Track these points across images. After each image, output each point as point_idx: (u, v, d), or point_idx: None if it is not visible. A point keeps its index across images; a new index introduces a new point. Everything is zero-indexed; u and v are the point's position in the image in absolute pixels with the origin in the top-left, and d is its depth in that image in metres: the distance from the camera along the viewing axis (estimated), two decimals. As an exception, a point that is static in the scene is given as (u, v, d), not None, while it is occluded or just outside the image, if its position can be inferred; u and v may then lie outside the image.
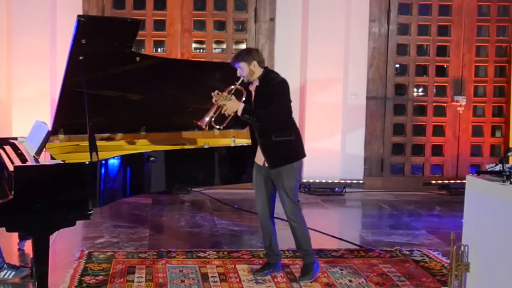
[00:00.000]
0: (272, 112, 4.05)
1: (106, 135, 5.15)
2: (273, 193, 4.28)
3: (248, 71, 4.11)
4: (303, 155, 4.23)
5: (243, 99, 4.18)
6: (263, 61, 4.18)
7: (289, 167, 4.13)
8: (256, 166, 4.28)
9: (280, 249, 4.43)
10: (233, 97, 4.11)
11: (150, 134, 5.35)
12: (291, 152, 4.17)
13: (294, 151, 4.18)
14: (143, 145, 5.15)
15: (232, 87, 4.16)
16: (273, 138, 4.10)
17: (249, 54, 4.13)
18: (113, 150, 4.66)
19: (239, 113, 4.05)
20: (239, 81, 4.15)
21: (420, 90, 7.90)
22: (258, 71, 4.14)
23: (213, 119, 4.17)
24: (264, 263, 4.38)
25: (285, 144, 4.14)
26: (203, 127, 4.19)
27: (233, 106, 4.07)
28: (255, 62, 4.11)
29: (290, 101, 4.15)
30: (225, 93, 4.11)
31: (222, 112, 4.11)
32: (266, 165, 4.16)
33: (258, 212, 4.33)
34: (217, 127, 4.25)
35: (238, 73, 4.14)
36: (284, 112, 4.13)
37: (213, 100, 4.11)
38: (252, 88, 4.21)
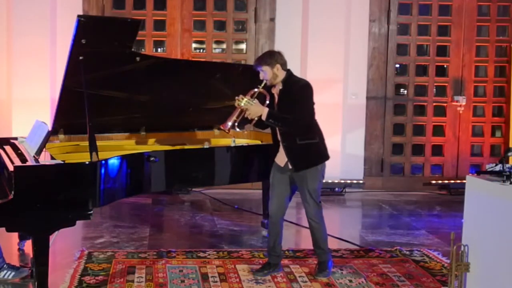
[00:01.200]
0: (297, 116, 4.05)
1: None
2: (290, 194, 4.30)
3: (272, 75, 4.10)
4: (327, 157, 4.26)
5: (267, 102, 4.16)
6: (285, 64, 4.16)
7: (314, 169, 4.16)
8: (276, 166, 4.29)
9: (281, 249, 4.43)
10: (256, 101, 4.09)
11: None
12: (315, 154, 4.19)
13: (319, 153, 4.21)
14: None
15: (255, 90, 4.15)
16: (298, 141, 4.11)
17: (272, 57, 4.11)
18: (113, 150, 4.66)
19: (263, 118, 4.05)
20: (262, 84, 4.14)
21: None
22: (281, 74, 4.13)
23: (236, 123, 4.17)
24: (265, 263, 4.38)
25: (310, 147, 4.15)
26: (226, 131, 4.19)
27: (257, 110, 4.06)
28: (278, 66, 4.10)
29: (313, 104, 4.16)
30: (247, 97, 4.10)
31: (245, 116, 4.11)
32: (290, 167, 4.17)
33: (271, 211, 4.33)
34: (238, 130, 4.26)
35: (261, 76, 4.13)
36: (308, 116, 4.14)
37: (236, 104, 4.09)
38: (275, 90, 4.19)
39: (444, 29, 7.67)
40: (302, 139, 4.11)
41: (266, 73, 4.10)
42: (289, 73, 4.16)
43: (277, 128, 4.18)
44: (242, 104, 4.06)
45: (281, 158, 4.23)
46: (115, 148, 4.88)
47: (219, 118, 5.55)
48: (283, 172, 4.23)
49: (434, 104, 7.72)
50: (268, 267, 4.33)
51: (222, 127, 4.19)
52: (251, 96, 4.11)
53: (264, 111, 4.05)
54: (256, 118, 4.11)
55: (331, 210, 6.70)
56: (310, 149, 4.16)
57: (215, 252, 4.82)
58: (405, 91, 7.78)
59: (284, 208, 4.31)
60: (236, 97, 4.11)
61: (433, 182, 7.65)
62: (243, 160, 5.03)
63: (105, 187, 3.89)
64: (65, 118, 4.58)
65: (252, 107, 4.05)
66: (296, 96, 4.08)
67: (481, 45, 7.76)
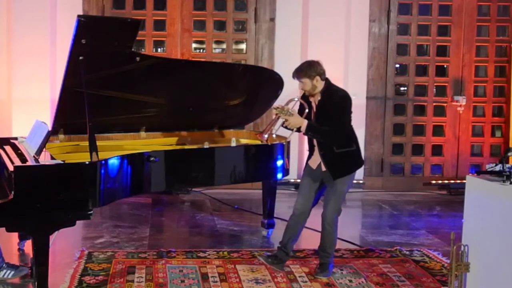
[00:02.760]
0: (335, 128, 4.07)
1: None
2: (319, 195, 4.35)
3: (311, 86, 4.11)
4: (362, 163, 4.34)
5: (306, 111, 4.17)
6: (324, 74, 4.16)
7: (350, 175, 4.21)
8: (309, 167, 4.31)
9: (280, 249, 4.44)
10: (295, 111, 4.10)
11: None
12: (352, 162, 4.23)
13: (355, 161, 4.26)
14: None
15: (295, 99, 4.18)
16: (335, 150, 4.13)
17: (312, 68, 4.12)
18: (113, 150, 4.66)
19: (302, 130, 4.07)
20: (301, 95, 4.17)
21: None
22: (320, 85, 4.14)
23: (274, 133, 4.24)
24: (273, 254, 4.41)
25: (347, 155, 4.18)
26: (263, 141, 4.26)
27: (296, 122, 4.07)
28: (318, 77, 4.11)
29: (351, 113, 4.18)
30: (286, 107, 4.11)
31: (284, 126, 4.15)
32: (323, 169, 4.19)
33: (296, 209, 4.34)
34: (275, 137, 4.37)
35: (300, 86, 4.14)
36: (347, 127, 4.16)
37: (274, 114, 4.12)
38: (313, 99, 4.20)
39: (444, 29, 7.66)
40: (339, 147, 4.14)
41: (306, 84, 4.11)
42: (327, 83, 4.16)
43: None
44: (281, 115, 4.07)
45: (314, 161, 4.25)
46: (115, 148, 4.88)
47: (219, 118, 5.59)
48: (315, 175, 4.26)
49: (434, 104, 7.72)
50: (274, 258, 4.35)
51: (259, 137, 4.24)
52: (288, 105, 4.14)
53: (303, 123, 4.06)
54: (295, 129, 4.13)
55: (331, 210, 6.69)
56: (348, 157, 4.19)
57: (215, 252, 4.82)
58: (406, 89, 7.76)
59: (309, 210, 4.34)
60: (274, 106, 4.14)
61: (433, 182, 7.64)
62: (243, 160, 5.03)
63: (105, 187, 3.89)
64: (65, 118, 4.58)
65: (292, 118, 4.06)
66: (336, 107, 4.09)
67: (481, 45, 7.75)
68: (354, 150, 4.21)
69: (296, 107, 4.24)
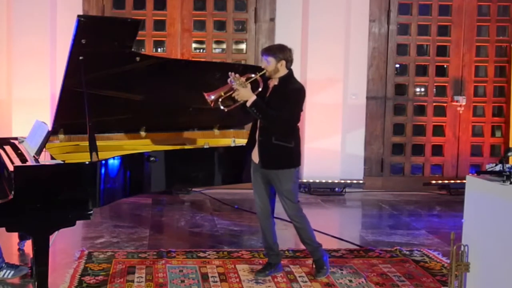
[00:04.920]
0: (281, 116, 4.02)
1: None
2: (271, 191, 4.26)
3: (274, 68, 4.07)
4: (298, 163, 4.21)
5: (259, 90, 4.13)
6: (291, 62, 4.14)
7: (286, 171, 4.12)
8: (253, 164, 4.26)
9: (280, 249, 4.42)
10: (248, 85, 4.05)
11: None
12: (286, 158, 4.13)
13: (290, 158, 4.15)
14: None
15: (253, 75, 4.12)
16: (273, 140, 4.07)
17: (282, 52, 4.08)
18: (113, 150, 4.66)
19: (248, 104, 4.00)
20: (261, 73, 4.12)
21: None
22: (283, 71, 4.10)
23: (220, 99, 4.09)
24: (265, 263, 4.38)
25: (282, 149, 4.10)
26: (209, 101, 4.08)
27: (246, 94, 4.02)
28: (283, 62, 4.08)
29: (301, 110, 4.13)
30: (243, 78, 4.06)
31: (233, 95, 4.06)
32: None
33: (257, 211, 4.33)
34: (222, 107, 4.14)
35: (263, 65, 4.11)
36: (293, 120, 4.10)
37: (228, 80, 4.04)
38: (271, 83, 4.16)
39: (444, 29, 7.67)
40: (277, 139, 4.07)
41: (269, 63, 4.07)
42: (290, 73, 4.14)
43: (258, 123, 4.15)
44: (235, 83, 4.02)
45: (256, 154, 4.20)
46: (115, 148, 4.88)
47: (219, 118, 5.58)
48: (259, 170, 4.20)
49: (434, 104, 7.72)
50: (269, 267, 4.32)
51: (206, 96, 4.08)
52: (246, 79, 4.07)
53: (251, 98, 4.00)
54: (241, 101, 4.05)
55: (331, 210, 6.70)
56: (282, 152, 4.10)
57: (215, 252, 4.82)
58: (407, 83, 7.77)
59: (269, 206, 4.27)
60: (231, 73, 4.05)
61: (433, 182, 7.64)
62: (243, 160, 5.02)
63: (105, 187, 3.89)
64: (65, 118, 4.57)
65: (243, 89, 4.01)
66: (288, 97, 4.05)
67: (481, 45, 7.76)
68: (292, 147, 4.12)
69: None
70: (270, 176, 4.16)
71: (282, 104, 4.02)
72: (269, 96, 4.12)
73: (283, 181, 4.12)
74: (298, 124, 4.17)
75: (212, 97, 4.08)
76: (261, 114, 4.02)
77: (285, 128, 4.09)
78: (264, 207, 4.26)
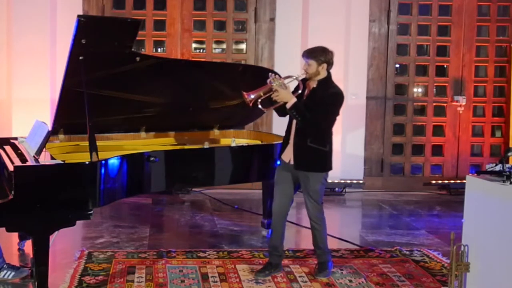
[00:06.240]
0: (318, 119, 4.04)
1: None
2: (293, 193, 4.30)
3: (315, 71, 4.09)
4: (330, 168, 4.25)
5: (299, 92, 4.14)
6: (331, 65, 4.14)
7: (317, 174, 4.16)
8: (282, 163, 4.28)
9: (281, 249, 4.44)
10: (289, 86, 4.07)
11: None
12: (320, 161, 4.17)
13: (324, 161, 4.19)
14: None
15: (293, 77, 4.14)
16: (308, 142, 4.10)
17: (323, 55, 4.09)
18: (113, 150, 4.66)
19: (287, 106, 4.02)
20: (302, 76, 4.13)
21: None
22: (323, 74, 4.12)
23: (259, 99, 4.07)
24: (266, 263, 4.38)
25: (317, 152, 4.13)
26: (247, 101, 4.05)
27: (285, 96, 4.03)
28: (325, 65, 4.09)
29: (338, 115, 4.16)
30: (282, 80, 4.07)
31: (272, 97, 4.06)
32: (292, 163, 4.17)
33: (274, 209, 4.32)
34: (260, 107, 4.12)
35: (304, 67, 4.12)
36: (329, 124, 4.13)
37: (268, 81, 4.05)
38: (309, 85, 4.18)
39: (444, 29, 7.66)
40: (312, 142, 4.10)
41: (311, 66, 4.08)
42: (329, 76, 4.15)
43: (293, 124, 4.17)
44: (275, 84, 4.02)
45: (288, 155, 4.23)
46: (115, 148, 4.88)
47: (219, 118, 5.59)
48: (288, 170, 4.22)
49: (434, 104, 7.72)
50: (270, 267, 4.32)
51: (245, 95, 4.05)
52: (285, 80, 4.09)
53: (291, 100, 4.02)
54: (281, 102, 4.06)
55: (331, 210, 6.70)
56: (316, 155, 4.14)
57: (215, 252, 4.82)
58: (407, 83, 7.78)
59: (287, 207, 4.31)
60: (271, 74, 4.07)
61: (433, 182, 7.64)
62: (243, 160, 5.03)
63: (105, 187, 3.89)
64: (65, 118, 4.57)
65: (283, 91, 4.02)
66: (326, 100, 4.07)
67: (481, 45, 7.75)
68: (326, 151, 4.16)
69: (292, 86, 4.20)
70: (300, 176, 4.19)
71: (319, 107, 4.04)
72: (307, 98, 4.14)
73: (312, 182, 4.15)
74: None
75: (252, 96, 4.06)
76: (300, 117, 4.04)
77: (320, 130, 4.12)
78: (284, 207, 4.29)
